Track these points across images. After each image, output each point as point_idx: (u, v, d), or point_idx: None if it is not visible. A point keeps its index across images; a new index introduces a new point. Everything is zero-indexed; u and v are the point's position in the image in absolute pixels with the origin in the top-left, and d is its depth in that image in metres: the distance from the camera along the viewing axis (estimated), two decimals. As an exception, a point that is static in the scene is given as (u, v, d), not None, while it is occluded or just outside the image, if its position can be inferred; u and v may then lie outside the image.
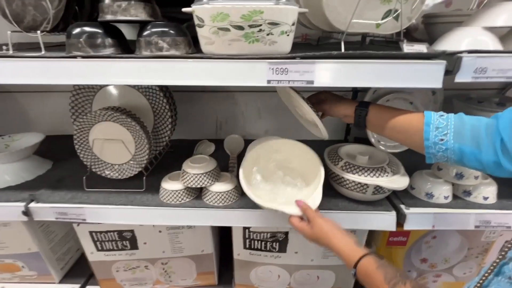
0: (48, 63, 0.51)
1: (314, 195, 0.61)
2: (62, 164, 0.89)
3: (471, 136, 0.47)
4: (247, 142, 0.93)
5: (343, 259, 0.52)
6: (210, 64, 0.49)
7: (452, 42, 0.55)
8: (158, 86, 0.79)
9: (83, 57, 0.51)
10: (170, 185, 0.70)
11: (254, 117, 1.07)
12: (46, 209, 0.70)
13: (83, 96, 0.78)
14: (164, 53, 0.52)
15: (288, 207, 0.59)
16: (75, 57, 0.51)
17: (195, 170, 0.68)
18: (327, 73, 0.50)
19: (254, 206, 0.69)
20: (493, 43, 0.53)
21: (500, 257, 0.40)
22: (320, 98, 0.68)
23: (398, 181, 0.65)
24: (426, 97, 0.96)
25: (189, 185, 0.68)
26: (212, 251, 0.83)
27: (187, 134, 1.10)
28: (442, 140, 0.49)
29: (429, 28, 0.74)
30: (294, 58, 0.49)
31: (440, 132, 0.49)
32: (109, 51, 0.54)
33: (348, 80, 0.50)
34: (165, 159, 0.90)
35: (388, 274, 0.44)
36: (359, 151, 0.74)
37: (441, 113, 0.51)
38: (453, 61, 0.49)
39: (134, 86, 0.79)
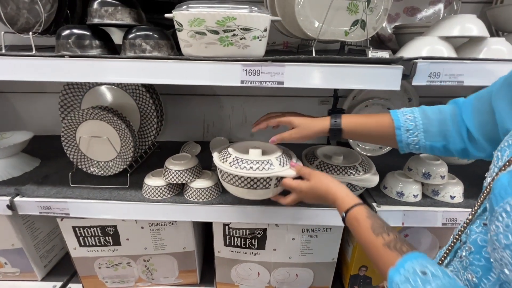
0: (38, 61, 0.55)
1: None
2: (49, 163, 0.91)
3: (438, 131, 0.52)
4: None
5: (338, 203, 0.52)
6: (187, 65, 0.53)
7: (413, 50, 0.61)
8: (145, 87, 0.83)
9: (70, 56, 0.54)
10: (153, 181, 0.73)
11: (240, 121, 1.11)
12: (31, 203, 0.72)
13: (72, 96, 0.82)
14: (147, 54, 0.56)
15: (281, 170, 0.59)
16: (63, 56, 0.54)
17: (176, 166, 0.71)
18: (296, 75, 0.54)
19: (233, 202, 0.72)
20: (448, 51, 0.58)
21: (453, 241, 0.43)
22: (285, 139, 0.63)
23: (368, 179, 0.69)
24: (403, 104, 1.01)
25: (170, 181, 0.71)
26: (194, 249, 0.84)
27: (175, 136, 1.13)
28: (414, 140, 0.53)
29: (399, 38, 0.80)
30: (265, 60, 0.53)
31: (411, 134, 0.53)
32: (95, 52, 0.58)
33: (316, 82, 0.55)
34: (152, 159, 0.93)
35: (375, 223, 0.45)
36: (335, 152, 0.78)
37: (405, 111, 0.55)
38: (409, 66, 0.54)
39: (122, 88, 0.83)
